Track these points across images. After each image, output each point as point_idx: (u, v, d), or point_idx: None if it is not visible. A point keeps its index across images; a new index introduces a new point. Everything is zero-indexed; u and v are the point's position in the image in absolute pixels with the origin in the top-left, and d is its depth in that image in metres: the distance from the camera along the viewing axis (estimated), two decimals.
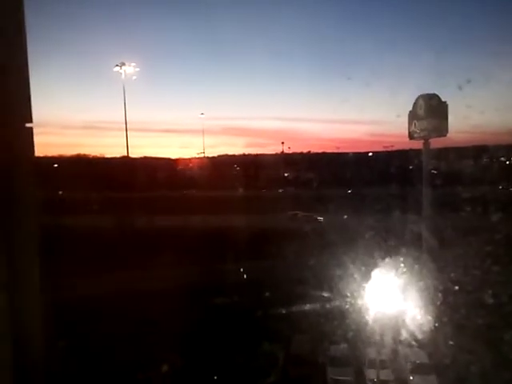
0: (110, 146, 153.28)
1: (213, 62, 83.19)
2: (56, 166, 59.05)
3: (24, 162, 1.75)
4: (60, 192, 48.20)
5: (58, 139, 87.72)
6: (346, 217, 33.20)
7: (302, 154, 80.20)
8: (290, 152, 75.00)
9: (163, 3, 58.02)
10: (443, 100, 22.36)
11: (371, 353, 15.82)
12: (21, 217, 1.76)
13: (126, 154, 50.58)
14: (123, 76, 43.64)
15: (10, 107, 1.74)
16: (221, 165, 64.52)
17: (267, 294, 20.76)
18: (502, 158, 41.64)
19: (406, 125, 24.42)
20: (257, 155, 77.20)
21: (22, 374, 1.86)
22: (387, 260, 15.13)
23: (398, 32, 67.43)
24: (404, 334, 15.64)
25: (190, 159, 73.57)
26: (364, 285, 14.85)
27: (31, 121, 1.73)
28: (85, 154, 69.99)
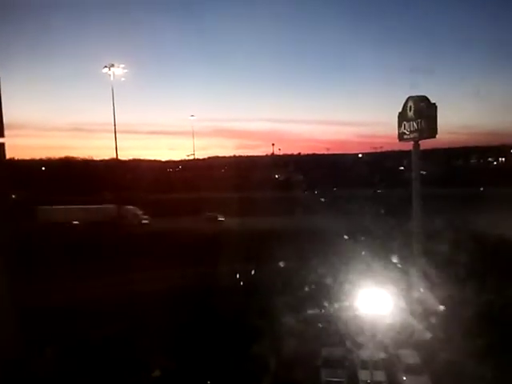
0: (98, 148, 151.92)
1: (203, 63, 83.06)
2: (43, 168, 58.25)
3: None
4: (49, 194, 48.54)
5: (46, 141, 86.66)
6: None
7: (292, 155, 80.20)
8: (281, 153, 75.02)
9: (153, 5, 57.79)
10: (432, 102, 22.28)
11: (364, 354, 15.74)
12: None
13: (114, 157, 50.17)
14: (112, 77, 43.13)
15: None
16: (211, 167, 64.21)
17: None
18: (490, 159, 42.28)
19: (395, 126, 24.41)
20: (247, 157, 76.98)
21: None
22: None
23: (388, 34, 68.19)
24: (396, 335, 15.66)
25: (179, 161, 73.08)
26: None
27: (3, 135, 1.60)
28: (73, 157, 69.18)
